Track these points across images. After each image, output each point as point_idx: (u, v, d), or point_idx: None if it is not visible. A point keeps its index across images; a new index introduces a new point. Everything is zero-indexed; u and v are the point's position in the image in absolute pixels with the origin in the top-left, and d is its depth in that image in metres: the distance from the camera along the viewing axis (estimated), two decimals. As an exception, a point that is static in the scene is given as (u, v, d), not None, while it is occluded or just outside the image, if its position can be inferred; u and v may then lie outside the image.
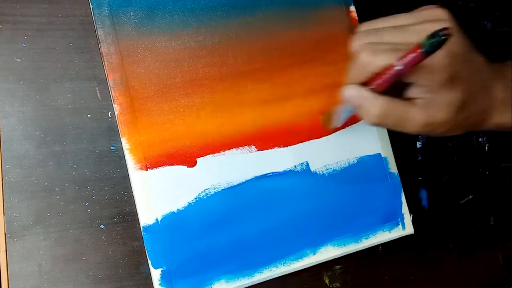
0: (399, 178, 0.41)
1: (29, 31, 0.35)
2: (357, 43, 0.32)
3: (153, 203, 0.36)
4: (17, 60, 0.35)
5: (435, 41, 0.27)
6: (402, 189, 0.42)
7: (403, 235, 0.41)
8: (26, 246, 0.34)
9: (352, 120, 0.40)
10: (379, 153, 0.41)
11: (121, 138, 0.36)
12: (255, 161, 0.38)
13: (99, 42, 0.36)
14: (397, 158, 0.42)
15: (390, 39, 0.32)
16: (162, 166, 0.36)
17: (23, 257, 0.34)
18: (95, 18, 0.36)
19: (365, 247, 0.40)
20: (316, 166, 0.40)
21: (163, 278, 0.35)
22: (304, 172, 0.39)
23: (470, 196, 0.46)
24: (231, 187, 0.37)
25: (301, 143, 0.39)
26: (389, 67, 0.30)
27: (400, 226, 0.41)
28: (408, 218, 0.41)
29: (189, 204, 0.36)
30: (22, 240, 0.34)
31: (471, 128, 0.35)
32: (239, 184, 0.38)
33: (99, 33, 0.36)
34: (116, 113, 0.36)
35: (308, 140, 0.40)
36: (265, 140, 0.38)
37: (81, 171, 0.36)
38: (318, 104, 0.40)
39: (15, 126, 0.35)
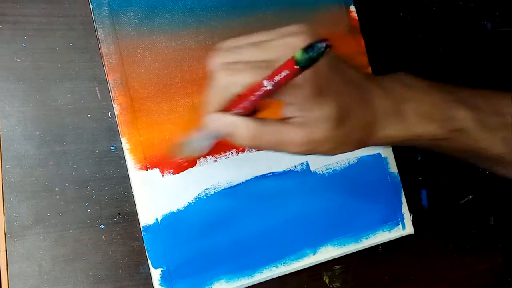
0: (399, 178, 0.41)
1: (29, 31, 0.35)
2: (215, 62, 0.29)
3: (153, 203, 0.36)
4: (17, 60, 0.35)
5: (313, 54, 0.24)
6: (402, 189, 0.41)
7: (403, 235, 0.41)
8: (26, 246, 0.34)
9: None
10: (379, 153, 0.41)
11: (121, 138, 0.36)
12: (255, 161, 0.38)
13: (99, 42, 0.36)
14: (397, 158, 0.42)
15: (249, 57, 0.29)
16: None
17: (23, 257, 0.34)
18: (95, 18, 0.36)
19: (365, 247, 0.40)
20: (316, 166, 0.39)
21: (163, 278, 0.35)
22: (304, 172, 0.39)
23: (470, 196, 0.46)
24: (231, 187, 0.37)
25: (301, 143, 0.39)
26: (256, 87, 0.27)
27: (400, 226, 0.41)
28: (408, 218, 0.41)
29: (189, 204, 0.36)
30: (22, 240, 0.34)
31: (360, 144, 0.32)
32: (239, 184, 0.38)
33: (99, 33, 0.36)
34: (116, 113, 0.36)
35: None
36: (265, 140, 0.38)
37: (81, 171, 0.36)
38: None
39: (15, 126, 0.35)
